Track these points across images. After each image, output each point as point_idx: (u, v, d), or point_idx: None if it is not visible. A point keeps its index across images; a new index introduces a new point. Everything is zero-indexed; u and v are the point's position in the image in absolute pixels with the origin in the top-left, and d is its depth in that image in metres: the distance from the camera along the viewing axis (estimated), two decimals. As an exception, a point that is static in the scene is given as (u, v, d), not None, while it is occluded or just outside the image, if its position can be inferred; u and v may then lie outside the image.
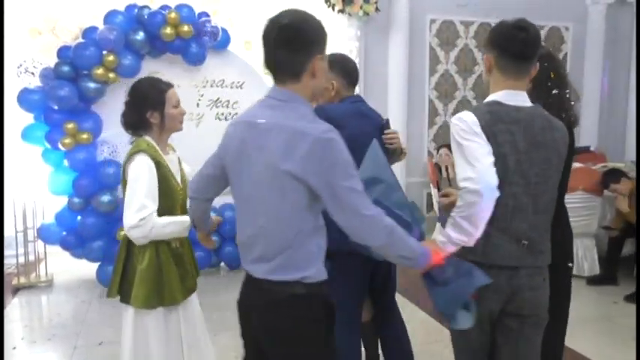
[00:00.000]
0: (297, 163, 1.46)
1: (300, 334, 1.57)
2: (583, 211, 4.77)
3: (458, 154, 1.70)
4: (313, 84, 1.57)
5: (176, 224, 2.16)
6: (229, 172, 1.66)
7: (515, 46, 1.74)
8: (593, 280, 4.74)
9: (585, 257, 4.86)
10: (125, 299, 2.18)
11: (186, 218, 2.18)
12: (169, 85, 2.26)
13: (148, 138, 2.21)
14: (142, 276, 2.12)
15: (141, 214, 2.04)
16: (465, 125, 1.71)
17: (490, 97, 1.81)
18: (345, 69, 2.47)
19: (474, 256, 1.74)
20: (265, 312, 1.59)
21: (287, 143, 1.47)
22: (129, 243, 2.16)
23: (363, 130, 2.26)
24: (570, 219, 4.83)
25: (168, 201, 2.18)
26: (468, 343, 1.89)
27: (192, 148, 4.17)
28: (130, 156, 2.13)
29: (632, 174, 4.86)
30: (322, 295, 1.60)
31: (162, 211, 2.14)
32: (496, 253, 1.76)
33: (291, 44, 1.50)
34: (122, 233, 2.18)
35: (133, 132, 2.24)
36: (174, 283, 2.17)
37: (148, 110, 2.18)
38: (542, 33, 6.90)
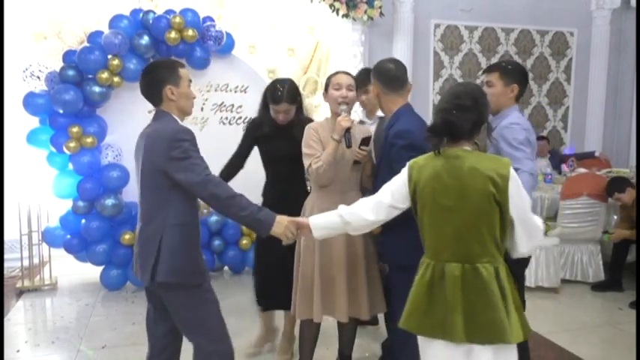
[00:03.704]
0: None
1: None
2: (587, 216, 4.74)
3: None
4: None
5: None
6: None
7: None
8: (597, 287, 4.71)
9: (590, 263, 4.83)
10: (503, 337, 1.70)
11: None
12: None
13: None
14: (518, 304, 1.75)
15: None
16: None
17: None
18: None
19: None
20: None
21: None
22: (497, 270, 1.75)
23: None
24: (575, 224, 4.82)
25: None
26: None
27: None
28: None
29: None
30: None
31: None
32: None
33: None
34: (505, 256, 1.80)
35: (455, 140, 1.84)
36: None
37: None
38: (547, 38, 6.88)
